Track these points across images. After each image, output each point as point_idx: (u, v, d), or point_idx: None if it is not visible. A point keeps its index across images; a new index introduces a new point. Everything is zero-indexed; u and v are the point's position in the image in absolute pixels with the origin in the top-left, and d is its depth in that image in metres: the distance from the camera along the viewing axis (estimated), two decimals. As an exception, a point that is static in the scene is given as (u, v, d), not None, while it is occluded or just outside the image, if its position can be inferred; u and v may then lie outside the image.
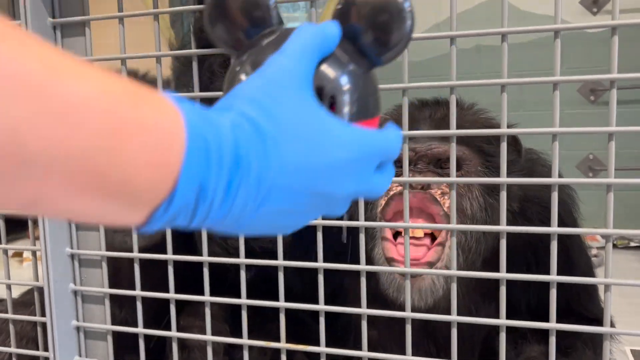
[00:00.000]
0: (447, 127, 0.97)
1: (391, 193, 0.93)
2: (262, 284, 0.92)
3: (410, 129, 0.99)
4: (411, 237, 0.93)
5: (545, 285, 0.95)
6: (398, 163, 0.96)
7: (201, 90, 0.78)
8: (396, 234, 0.94)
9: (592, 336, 0.96)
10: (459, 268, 0.91)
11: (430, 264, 0.89)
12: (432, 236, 0.93)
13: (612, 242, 0.64)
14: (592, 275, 1.00)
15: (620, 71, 0.59)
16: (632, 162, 3.01)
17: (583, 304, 0.96)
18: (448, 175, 0.94)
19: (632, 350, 1.69)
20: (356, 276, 0.93)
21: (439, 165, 0.98)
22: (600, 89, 3.26)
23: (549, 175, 1.01)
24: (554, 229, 0.63)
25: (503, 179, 0.66)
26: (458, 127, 0.91)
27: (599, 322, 0.99)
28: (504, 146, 0.67)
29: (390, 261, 0.90)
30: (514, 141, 0.99)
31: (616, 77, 0.59)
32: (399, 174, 0.94)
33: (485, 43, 3.19)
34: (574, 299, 0.96)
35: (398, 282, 0.90)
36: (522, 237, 0.87)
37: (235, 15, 0.43)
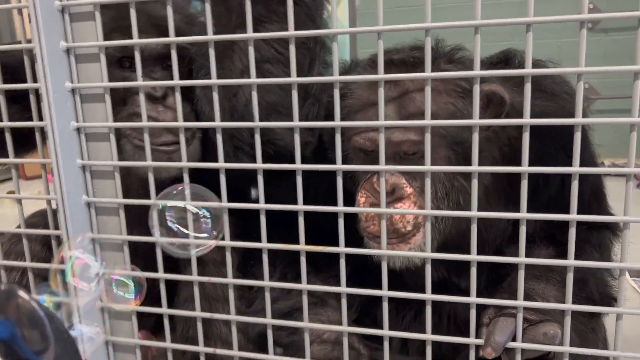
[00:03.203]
0: (409, 108, 0.79)
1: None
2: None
3: (365, 112, 0.84)
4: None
5: (554, 196, 0.96)
6: (365, 152, 0.87)
7: None
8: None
9: (601, 241, 0.98)
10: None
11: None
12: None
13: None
14: (602, 182, 1.01)
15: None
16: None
17: (594, 212, 0.98)
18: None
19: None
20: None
21: (402, 154, 0.86)
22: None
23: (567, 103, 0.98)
24: (578, 120, 0.63)
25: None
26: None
27: (609, 229, 1.01)
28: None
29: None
30: (496, 99, 0.87)
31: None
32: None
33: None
34: (585, 208, 0.97)
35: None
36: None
37: None
